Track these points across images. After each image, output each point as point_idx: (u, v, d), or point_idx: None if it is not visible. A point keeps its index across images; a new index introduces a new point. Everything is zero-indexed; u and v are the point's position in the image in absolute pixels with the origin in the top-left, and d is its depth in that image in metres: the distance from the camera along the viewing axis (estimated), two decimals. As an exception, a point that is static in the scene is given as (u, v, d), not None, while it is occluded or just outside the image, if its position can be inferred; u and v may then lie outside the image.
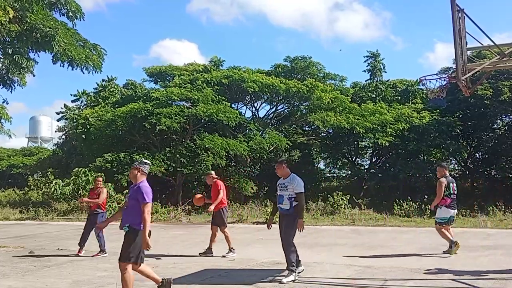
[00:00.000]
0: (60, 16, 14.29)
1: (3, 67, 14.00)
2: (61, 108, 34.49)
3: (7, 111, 14.60)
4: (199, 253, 9.24)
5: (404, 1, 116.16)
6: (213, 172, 9.86)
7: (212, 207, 9.14)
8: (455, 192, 8.77)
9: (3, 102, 14.96)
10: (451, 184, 8.72)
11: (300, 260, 7.07)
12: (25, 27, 12.83)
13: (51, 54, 13.79)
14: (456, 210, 8.95)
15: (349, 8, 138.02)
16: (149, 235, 5.37)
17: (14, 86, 14.78)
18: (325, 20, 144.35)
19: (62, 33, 13.57)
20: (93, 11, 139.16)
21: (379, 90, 28.04)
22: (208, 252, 9.22)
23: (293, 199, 6.86)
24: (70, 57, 13.84)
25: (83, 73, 14.50)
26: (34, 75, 15.15)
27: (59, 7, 14.01)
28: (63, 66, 14.18)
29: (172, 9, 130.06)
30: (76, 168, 19.82)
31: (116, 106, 25.51)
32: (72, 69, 14.30)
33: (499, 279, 6.59)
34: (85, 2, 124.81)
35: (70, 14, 14.11)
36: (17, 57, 13.42)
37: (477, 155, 27.48)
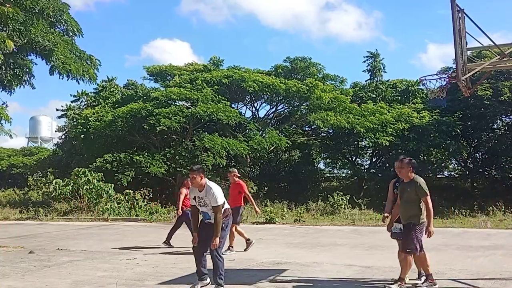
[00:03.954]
0: (59, 33, 14.67)
1: (5, 78, 14.33)
2: (62, 106, 34.58)
3: (7, 112, 14.84)
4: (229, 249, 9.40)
5: (393, 1, 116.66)
6: (235, 170, 9.98)
7: (258, 210, 9.91)
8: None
9: (2, 104, 15.19)
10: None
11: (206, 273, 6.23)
12: (25, 40, 13.08)
13: (48, 65, 14.12)
14: None
15: (339, 8, 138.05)
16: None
17: (14, 89, 15.12)
18: (316, 21, 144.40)
19: (60, 47, 13.87)
20: (83, 11, 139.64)
21: (379, 90, 28.09)
22: (229, 249, 9.37)
23: None
24: (68, 70, 14.18)
25: (79, 83, 14.97)
26: (34, 88, 15.60)
27: (59, 26, 14.37)
28: (62, 79, 14.52)
29: (162, 10, 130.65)
30: (76, 168, 19.80)
31: (116, 106, 25.53)
32: (68, 80, 14.71)
33: (499, 279, 6.58)
34: (74, 1, 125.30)
35: (70, 33, 14.47)
36: (18, 71, 13.77)
37: (477, 155, 27.52)
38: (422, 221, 6.09)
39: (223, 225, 6.02)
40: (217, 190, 5.94)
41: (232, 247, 9.38)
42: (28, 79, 14.86)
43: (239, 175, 9.94)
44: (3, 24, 11.87)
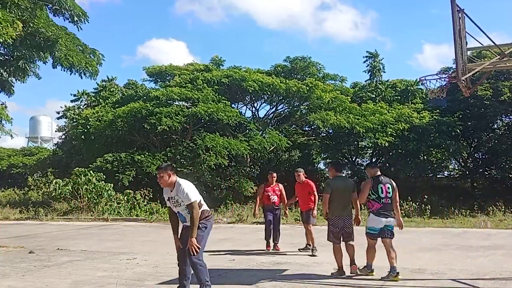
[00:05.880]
0: (64, 20, 14.48)
1: (8, 71, 14.26)
2: (61, 107, 34.55)
3: (7, 112, 14.86)
4: (299, 249, 9.62)
5: (389, 1, 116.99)
6: (302, 170, 10.24)
7: (315, 212, 10.09)
8: (389, 196, 6.89)
9: (1, 104, 15.21)
10: (380, 186, 6.89)
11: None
12: (28, 31, 13.01)
13: (51, 57, 14.00)
14: (392, 219, 6.93)
15: (334, 8, 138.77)
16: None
17: (13, 90, 15.11)
18: (312, 21, 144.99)
19: (63, 38, 13.78)
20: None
21: (379, 90, 28.08)
22: (307, 248, 9.55)
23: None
24: (71, 62, 14.07)
25: (81, 78, 14.80)
26: (39, 78, 15.52)
27: (63, 12, 14.17)
28: (64, 71, 14.41)
29: (157, 10, 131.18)
30: (76, 168, 19.81)
31: (116, 106, 25.53)
32: (71, 74, 14.59)
33: (499, 279, 6.59)
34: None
35: (75, 18, 14.30)
36: (21, 63, 13.71)
37: (477, 155, 27.49)
38: (334, 216, 7.06)
39: (201, 225, 5.51)
40: (187, 186, 5.53)
41: (310, 245, 9.43)
42: (34, 70, 14.74)
43: (306, 175, 10.05)
44: (7, 9, 11.70)
